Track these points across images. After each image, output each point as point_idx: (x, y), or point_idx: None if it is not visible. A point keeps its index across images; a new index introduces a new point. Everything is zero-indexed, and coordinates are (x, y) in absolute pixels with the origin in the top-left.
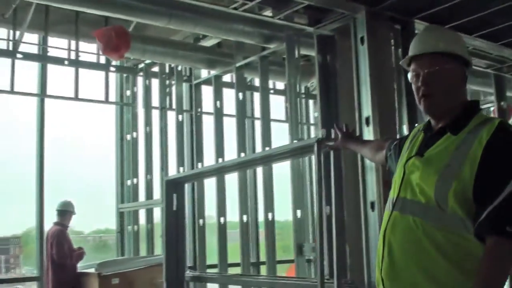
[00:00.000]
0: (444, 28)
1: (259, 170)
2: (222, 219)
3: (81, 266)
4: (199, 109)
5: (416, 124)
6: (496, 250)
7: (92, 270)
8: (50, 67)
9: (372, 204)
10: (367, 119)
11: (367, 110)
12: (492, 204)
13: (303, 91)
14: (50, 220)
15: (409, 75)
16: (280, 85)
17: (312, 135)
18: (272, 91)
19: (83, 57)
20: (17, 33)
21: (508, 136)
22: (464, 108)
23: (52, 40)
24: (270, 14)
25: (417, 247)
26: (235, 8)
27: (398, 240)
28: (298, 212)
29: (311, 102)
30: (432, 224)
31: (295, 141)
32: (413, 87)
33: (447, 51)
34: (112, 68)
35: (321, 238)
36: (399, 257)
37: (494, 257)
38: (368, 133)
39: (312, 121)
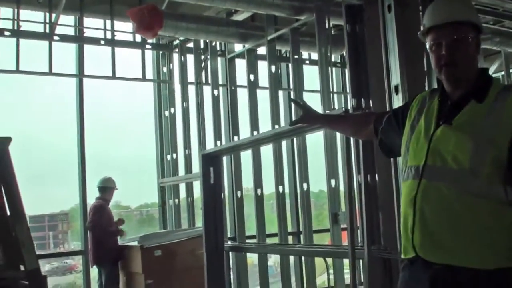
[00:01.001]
0: None
1: (294, 141)
2: (259, 191)
3: (126, 240)
4: (234, 83)
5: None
6: None
7: (135, 243)
8: (87, 48)
9: None
10: (396, 87)
11: (396, 79)
12: None
13: (338, 60)
14: (93, 196)
15: (428, 44)
16: (315, 55)
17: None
18: (307, 62)
19: (118, 36)
20: (53, 15)
21: None
22: (481, 76)
23: (88, 21)
24: None
25: (452, 215)
26: None
27: (432, 208)
28: (332, 182)
29: (347, 71)
30: (468, 190)
31: (327, 111)
32: (433, 56)
33: (468, 21)
34: (147, 46)
35: (351, 206)
36: (434, 224)
37: None
38: (398, 101)
39: (348, 90)
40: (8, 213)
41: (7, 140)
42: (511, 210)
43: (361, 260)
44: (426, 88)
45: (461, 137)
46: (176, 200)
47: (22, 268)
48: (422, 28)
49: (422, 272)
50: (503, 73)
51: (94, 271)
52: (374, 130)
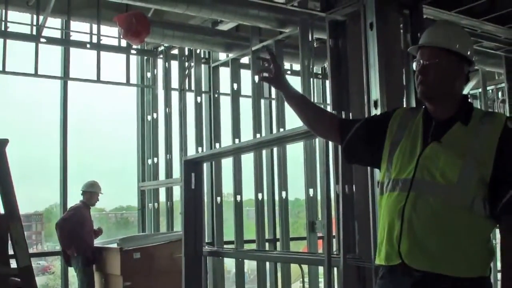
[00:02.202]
0: (455, 25)
1: (274, 150)
2: (238, 197)
3: (103, 242)
4: (217, 91)
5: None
6: None
7: (114, 245)
8: (73, 51)
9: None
10: (376, 102)
11: (375, 93)
12: (511, 190)
13: (320, 72)
14: (72, 197)
15: (414, 63)
16: (297, 67)
17: None
18: (289, 72)
19: (104, 41)
20: (41, 18)
21: None
22: (464, 102)
23: (74, 25)
24: (284, 1)
25: (439, 226)
26: None
27: (420, 219)
28: (311, 191)
29: (327, 82)
30: (454, 204)
31: None
32: (416, 73)
33: (446, 47)
34: (132, 51)
35: (328, 215)
36: (421, 235)
37: None
38: None
39: (329, 101)
40: (3, 211)
41: (5, 141)
42: (488, 223)
43: (336, 268)
44: (404, 103)
45: (451, 155)
46: (156, 204)
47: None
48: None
49: (404, 279)
50: (480, 90)
51: (72, 272)
52: (340, 136)
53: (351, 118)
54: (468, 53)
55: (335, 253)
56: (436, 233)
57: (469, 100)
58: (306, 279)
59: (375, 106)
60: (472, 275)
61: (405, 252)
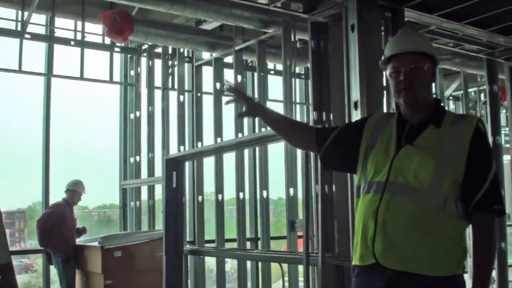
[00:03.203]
0: (418, 31)
1: (256, 150)
2: (220, 196)
3: (85, 240)
4: (199, 90)
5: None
6: (489, 223)
7: (95, 244)
8: (57, 47)
9: None
10: (356, 103)
11: (355, 95)
12: (482, 189)
13: (303, 72)
14: (55, 195)
15: (388, 72)
16: (280, 66)
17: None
18: (272, 72)
19: (88, 38)
20: (25, 14)
21: (485, 133)
22: (437, 105)
23: (59, 21)
24: (267, 1)
25: (412, 226)
26: None
27: (393, 220)
28: (291, 190)
29: (310, 83)
30: (426, 205)
31: None
32: (393, 82)
33: (424, 51)
34: (116, 49)
35: (307, 214)
36: (394, 235)
37: (489, 228)
38: (357, 116)
39: (310, 102)
40: None
41: None
42: (461, 223)
43: (316, 267)
44: (385, 105)
45: (423, 157)
46: (138, 202)
47: None
48: (383, 58)
49: (378, 278)
50: (462, 92)
51: (54, 270)
52: (317, 145)
53: (331, 118)
54: (437, 55)
55: (314, 252)
56: (409, 233)
57: (441, 103)
58: (287, 278)
59: (355, 107)
60: (445, 274)
61: (379, 252)
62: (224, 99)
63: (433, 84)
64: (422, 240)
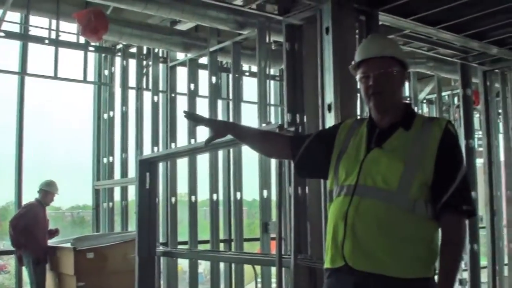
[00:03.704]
0: (386, 36)
1: (230, 151)
2: (193, 198)
3: (57, 241)
4: (174, 91)
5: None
6: (457, 224)
7: (68, 245)
8: (31, 46)
9: None
10: (329, 106)
11: (329, 97)
12: (450, 189)
13: (278, 74)
14: (28, 195)
15: (358, 77)
16: (255, 68)
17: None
18: (247, 74)
19: (63, 37)
20: (0, 11)
21: (454, 135)
22: (407, 108)
23: (34, 19)
24: (242, 3)
25: (380, 228)
26: None
27: (362, 222)
28: (265, 192)
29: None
30: (395, 207)
31: (263, 124)
32: (362, 86)
33: (393, 56)
34: (91, 48)
35: (280, 216)
36: (364, 237)
37: (457, 228)
38: (330, 118)
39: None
40: None
41: None
42: (431, 224)
43: (288, 269)
44: (358, 108)
45: (392, 160)
46: (111, 203)
47: None
48: (353, 63)
49: (347, 279)
50: (435, 95)
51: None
52: (292, 153)
53: (305, 120)
54: (406, 60)
55: (288, 254)
56: (377, 236)
57: (412, 107)
58: (260, 280)
59: (329, 109)
60: (414, 276)
61: (348, 254)
62: (199, 100)
63: (404, 88)
64: (390, 242)
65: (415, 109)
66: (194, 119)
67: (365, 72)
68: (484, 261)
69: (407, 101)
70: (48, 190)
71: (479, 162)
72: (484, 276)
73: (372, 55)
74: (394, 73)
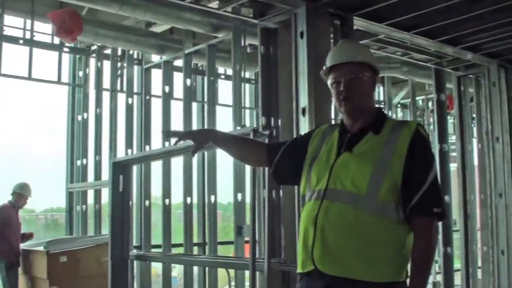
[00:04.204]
0: (357, 42)
1: (205, 154)
2: (167, 201)
3: (30, 244)
4: (148, 93)
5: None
6: (428, 226)
7: (40, 248)
8: (5, 46)
9: None
10: (304, 110)
11: (304, 101)
12: (420, 191)
13: (253, 77)
14: (1, 198)
15: (329, 82)
16: (230, 71)
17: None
18: (222, 76)
19: (37, 37)
20: None
21: (425, 137)
22: (378, 113)
23: (8, 19)
24: (217, 6)
25: (350, 232)
26: (182, 0)
27: (332, 226)
28: (239, 195)
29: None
30: (364, 211)
31: (238, 127)
32: (334, 92)
33: (364, 62)
34: (65, 49)
35: (254, 220)
36: (333, 241)
37: (427, 231)
38: (304, 122)
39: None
40: None
41: None
42: (402, 229)
43: (262, 272)
44: (332, 112)
45: (361, 164)
46: (84, 206)
47: None
48: (324, 68)
49: (318, 283)
50: (409, 100)
51: None
52: (268, 161)
53: (279, 123)
54: (376, 65)
55: (261, 257)
56: (347, 239)
57: (383, 111)
58: (233, 283)
59: (303, 113)
60: (385, 280)
61: (318, 258)
62: (174, 103)
63: (375, 92)
64: (360, 246)
65: (389, 113)
66: (173, 136)
67: (336, 78)
68: (457, 264)
69: (379, 106)
70: (21, 193)
71: (453, 166)
72: (458, 279)
73: (344, 61)
74: (365, 78)
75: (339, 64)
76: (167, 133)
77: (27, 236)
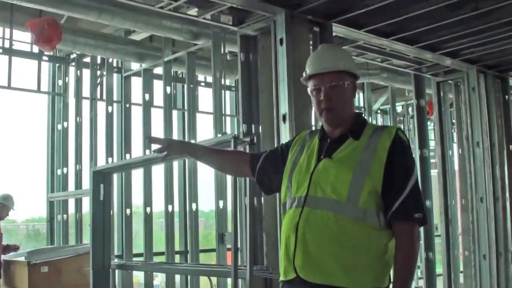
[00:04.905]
0: (338, 46)
1: (186, 161)
2: (148, 209)
3: (11, 255)
4: (128, 101)
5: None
6: (409, 231)
7: (21, 259)
8: None
9: None
10: (284, 116)
11: (284, 108)
12: (401, 197)
13: (233, 84)
14: None
15: (309, 89)
16: (211, 78)
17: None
18: (202, 84)
19: (16, 46)
20: None
21: (405, 142)
22: (357, 118)
23: None
24: (196, 13)
25: (331, 239)
26: (161, 7)
27: (313, 233)
28: (221, 203)
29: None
30: (345, 217)
31: (218, 134)
32: (314, 99)
33: (345, 70)
34: (44, 58)
35: (235, 227)
36: (314, 248)
37: (409, 236)
38: (285, 129)
39: None
40: None
41: None
42: (383, 235)
43: (244, 280)
44: (312, 119)
45: (341, 169)
46: (65, 216)
47: None
48: (304, 74)
49: None
50: (389, 106)
51: None
52: (251, 170)
53: (260, 130)
54: (357, 71)
55: (244, 265)
56: (328, 246)
57: (363, 116)
58: None
59: (284, 120)
60: (367, 287)
61: (299, 266)
62: (154, 111)
63: (354, 98)
64: (340, 253)
65: (369, 119)
66: (154, 142)
67: (316, 85)
68: (439, 269)
69: (359, 111)
70: (5, 204)
71: (434, 171)
72: (440, 284)
73: (324, 70)
74: (346, 86)
75: (319, 73)
76: (149, 139)
77: (13, 249)
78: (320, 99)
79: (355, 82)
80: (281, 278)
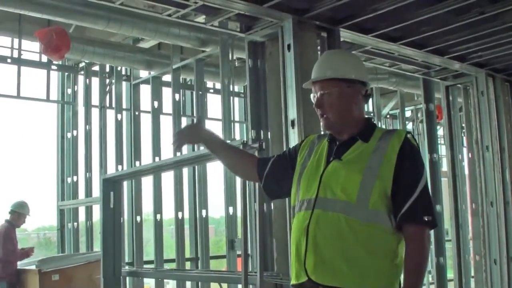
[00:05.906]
0: (339, 53)
1: (195, 168)
2: (158, 216)
3: (22, 263)
4: (137, 108)
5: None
6: (419, 234)
7: (32, 267)
8: None
9: None
10: (292, 122)
11: (292, 113)
12: (410, 199)
13: (242, 90)
14: None
15: (311, 95)
16: (219, 85)
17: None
18: (211, 90)
19: (25, 56)
20: None
21: (414, 145)
22: (367, 122)
23: None
24: (204, 20)
25: (342, 241)
26: (169, 15)
27: (324, 235)
28: (230, 209)
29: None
30: (355, 219)
31: (228, 141)
32: (315, 106)
33: (332, 77)
34: (53, 67)
35: (245, 233)
36: (326, 250)
37: (419, 239)
38: (294, 135)
39: None
40: None
41: None
42: (394, 237)
43: (255, 286)
44: (321, 123)
45: (350, 171)
46: (75, 224)
47: None
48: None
49: None
50: (398, 110)
51: None
52: (258, 175)
53: (269, 136)
54: (353, 76)
55: (254, 271)
56: (340, 249)
57: (373, 121)
58: None
59: (292, 125)
60: None
61: (311, 269)
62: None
63: (360, 102)
64: (353, 255)
65: (378, 124)
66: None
67: (313, 93)
68: (450, 274)
69: (369, 116)
70: (21, 212)
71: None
72: None
73: (320, 78)
74: (336, 92)
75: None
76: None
77: (29, 252)
78: (315, 106)
79: (357, 87)
80: (293, 282)
